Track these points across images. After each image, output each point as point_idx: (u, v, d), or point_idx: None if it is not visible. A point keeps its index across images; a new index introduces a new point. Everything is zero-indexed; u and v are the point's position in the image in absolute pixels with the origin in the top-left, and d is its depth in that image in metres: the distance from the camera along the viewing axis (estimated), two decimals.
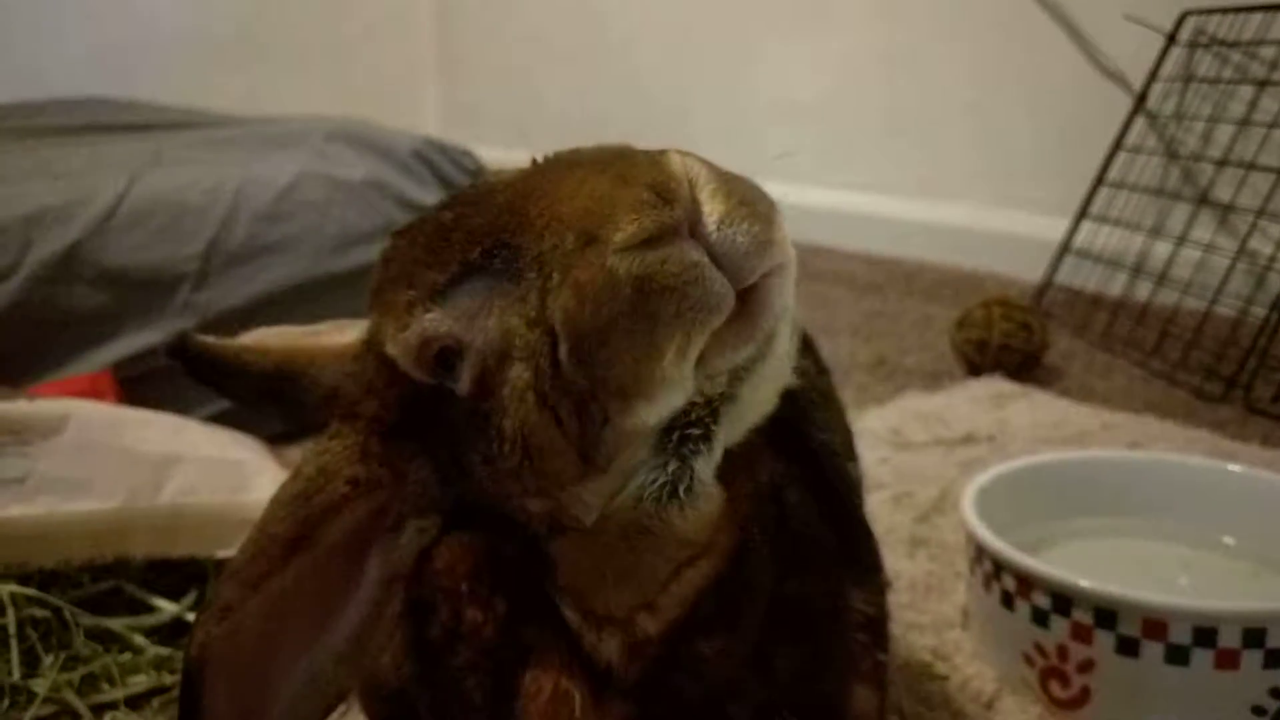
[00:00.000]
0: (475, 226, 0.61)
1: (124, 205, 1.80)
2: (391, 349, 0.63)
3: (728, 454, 0.62)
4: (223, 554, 1.16)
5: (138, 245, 1.78)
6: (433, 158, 2.14)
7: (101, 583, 1.14)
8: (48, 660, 1.06)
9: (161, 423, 1.26)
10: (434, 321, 0.61)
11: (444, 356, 0.61)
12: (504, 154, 2.41)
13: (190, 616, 1.13)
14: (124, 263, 1.76)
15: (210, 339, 0.77)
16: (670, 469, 0.60)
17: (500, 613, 0.65)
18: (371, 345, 0.67)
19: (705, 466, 0.61)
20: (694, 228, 0.55)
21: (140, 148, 2.12)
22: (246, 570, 0.61)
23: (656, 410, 0.57)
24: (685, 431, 0.59)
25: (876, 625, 0.72)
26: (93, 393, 1.55)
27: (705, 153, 0.59)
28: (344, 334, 0.77)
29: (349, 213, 1.97)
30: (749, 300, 0.56)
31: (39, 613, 1.08)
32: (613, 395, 0.57)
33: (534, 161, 0.64)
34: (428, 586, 0.66)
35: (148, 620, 1.13)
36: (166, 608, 1.14)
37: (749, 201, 0.57)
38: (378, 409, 0.66)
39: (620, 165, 0.58)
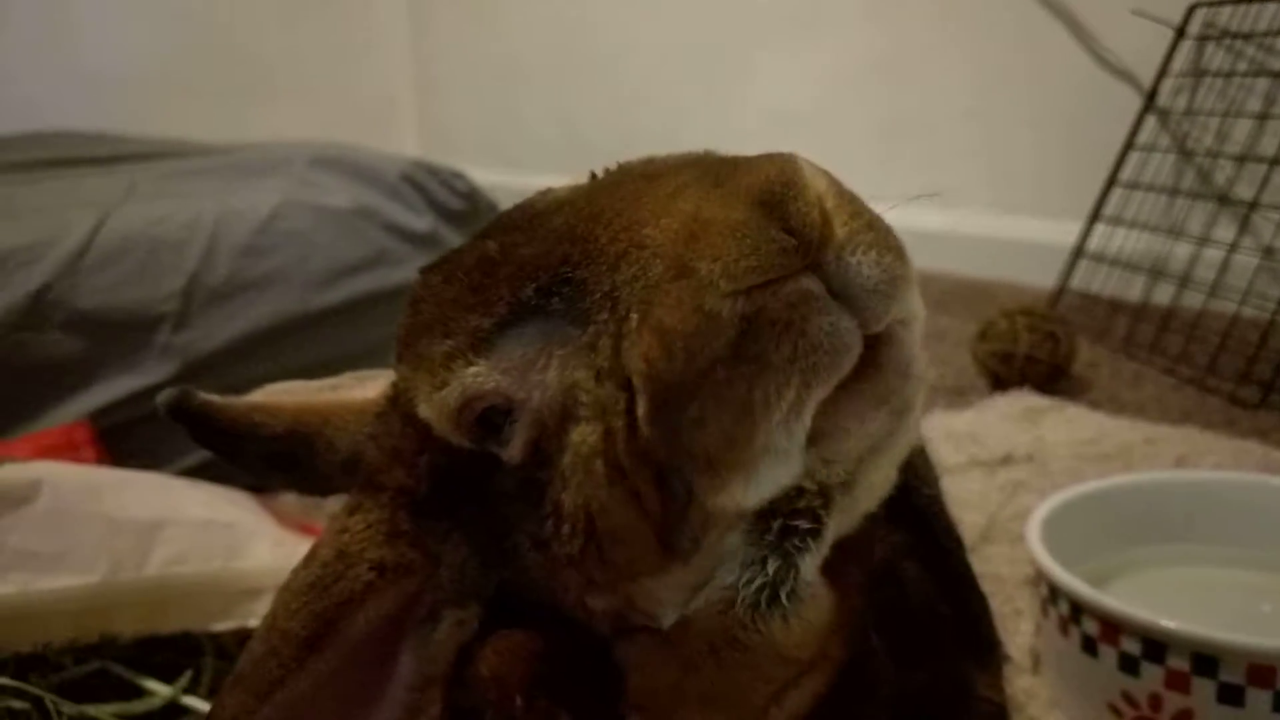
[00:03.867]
0: (527, 258, 0.49)
1: (95, 243, 1.68)
2: (425, 410, 0.52)
3: (838, 539, 0.51)
4: (218, 628, 1.05)
5: (112, 285, 1.67)
6: (423, 181, 2.03)
7: (85, 665, 1.03)
8: None
9: (144, 483, 1.15)
10: (478, 377, 0.50)
11: (489, 418, 0.50)
12: (486, 177, 2.33)
13: (186, 700, 1.02)
14: (98, 305, 1.65)
15: (215, 397, 0.66)
16: (770, 568, 0.48)
17: None
18: (399, 404, 0.56)
19: (812, 565, 0.49)
20: (816, 256, 0.44)
21: (111, 182, 2.00)
22: (254, 675, 0.51)
23: (756, 487, 0.46)
24: (790, 522, 0.48)
25: (1002, 714, 0.61)
26: (69, 446, 1.44)
27: None
28: (366, 387, 0.66)
29: (336, 243, 1.86)
30: (876, 354, 0.45)
31: (16, 703, 0.96)
32: (701, 465, 0.45)
33: (593, 176, 0.52)
34: (474, 696, 0.54)
35: (138, 706, 1.01)
36: (159, 691, 1.02)
37: (877, 226, 0.45)
38: (406, 479, 0.56)
39: (721, 176, 0.46)
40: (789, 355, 0.43)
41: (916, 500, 0.60)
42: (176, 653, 1.06)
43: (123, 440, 1.53)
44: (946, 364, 2.13)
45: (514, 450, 0.51)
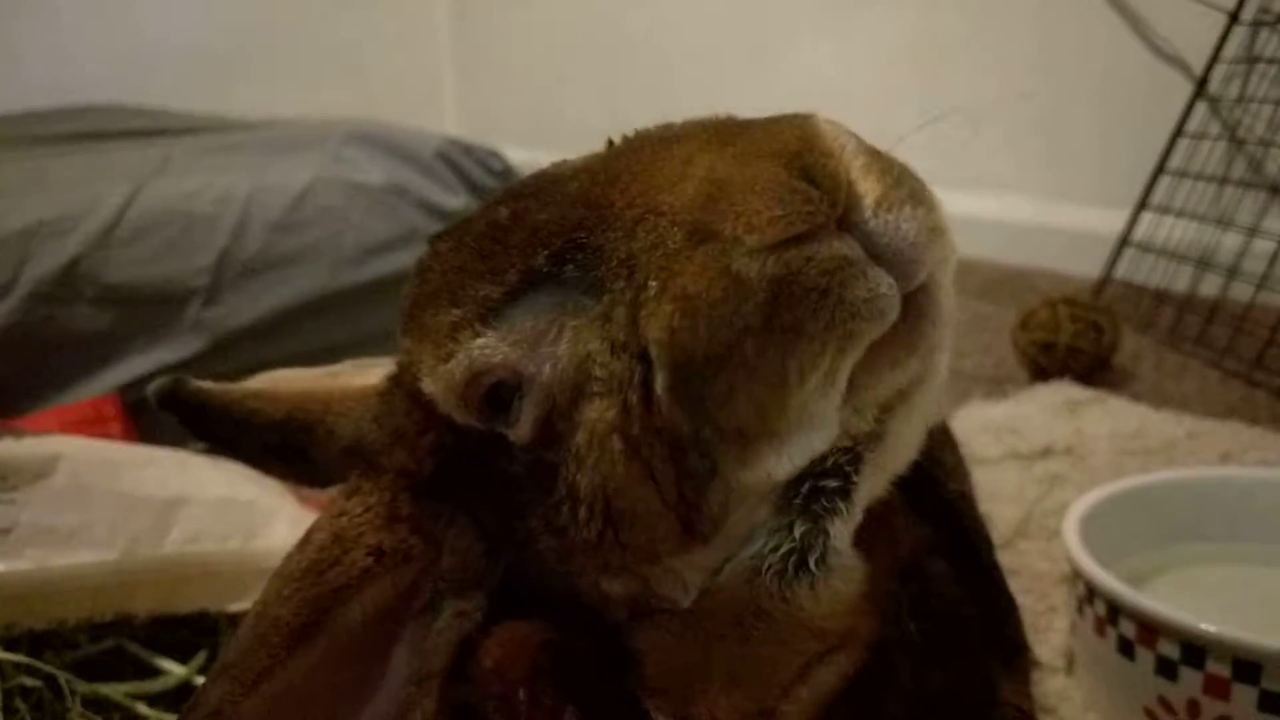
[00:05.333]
0: (540, 224, 0.47)
1: (127, 216, 1.69)
2: (429, 385, 0.50)
3: (866, 515, 0.48)
4: (235, 608, 1.03)
5: (143, 259, 1.67)
6: (457, 159, 2.01)
7: (100, 644, 1.02)
8: None
9: (164, 460, 1.14)
10: (485, 349, 0.48)
11: (497, 394, 0.48)
12: (526, 157, 2.31)
13: (200, 680, 1.01)
14: (128, 278, 1.65)
15: (209, 385, 0.65)
16: (798, 533, 0.46)
17: None
18: (402, 380, 0.54)
19: (843, 530, 0.47)
20: (845, 214, 0.42)
21: (144, 155, 2.00)
22: (242, 664, 0.48)
23: (788, 457, 0.44)
24: (819, 484, 0.46)
25: None
26: (97, 419, 1.44)
27: None
28: (366, 375, 0.64)
29: (369, 220, 1.85)
30: (913, 302, 0.43)
31: (29, 681, 0.95)
32: (729, 439, 0.43)
33: (610, 142, 0.50)
34: (475, 690, 0.52)
35: (153, 685, 1.00)
36: (174, 670, 1.01)
37: (906, 180, 0.44)
38: (408, 461, 0.54)
39: (742, 136, 0.44)
40: (826, 323, 0.41)
41: (945, 495, 0.58)
42: (192, 632, 1.05)
43: (151, 414, 1.52)
44: (986, 353, 2.09)
45: (523, 429, 0.48)
